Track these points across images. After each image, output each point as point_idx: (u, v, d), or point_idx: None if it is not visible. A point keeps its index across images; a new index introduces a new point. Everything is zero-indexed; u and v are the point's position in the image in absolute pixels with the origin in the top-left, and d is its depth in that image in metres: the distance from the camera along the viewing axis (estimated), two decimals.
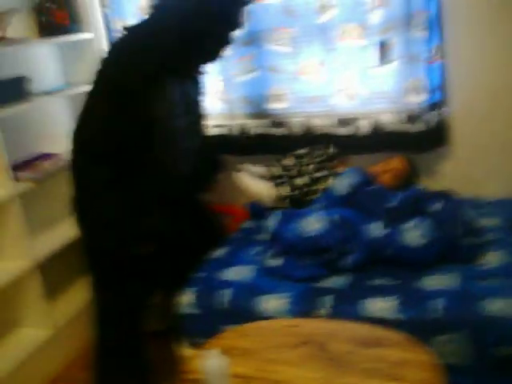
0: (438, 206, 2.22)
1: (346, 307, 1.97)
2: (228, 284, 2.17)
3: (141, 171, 2.11)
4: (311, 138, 2.88)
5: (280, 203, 2.52)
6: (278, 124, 2.95)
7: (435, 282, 2.01)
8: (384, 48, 2.65)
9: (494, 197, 2.66)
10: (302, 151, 2.79)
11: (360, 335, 1.72)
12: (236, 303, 2.10)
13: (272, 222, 2.35)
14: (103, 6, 3.15)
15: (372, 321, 1.87)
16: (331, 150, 2.79)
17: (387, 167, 2.66)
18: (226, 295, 2.12)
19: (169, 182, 2.18)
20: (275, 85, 2.89)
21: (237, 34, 2.23)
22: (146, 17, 2.16)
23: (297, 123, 2.91)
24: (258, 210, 2.72)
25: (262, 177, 2.64)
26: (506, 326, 1.77)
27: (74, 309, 2.89)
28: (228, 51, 2.37)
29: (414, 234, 2.11)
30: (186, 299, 2.17)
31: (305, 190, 2.52)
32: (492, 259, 2.11)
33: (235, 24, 2.17)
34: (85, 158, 2.12)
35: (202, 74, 2.34)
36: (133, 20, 3.01)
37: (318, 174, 2.60)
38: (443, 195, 2.31)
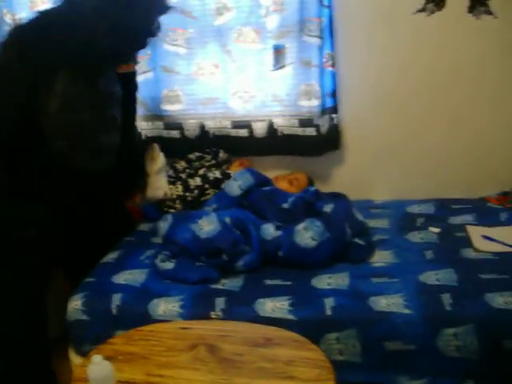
0: (329, 207, 2.27)
1: (238, 309, 1.95)
2: (117, 288, 2.08)
3: (28, 160, 2.06)
4: (206, 141, 2.85)
5: (172, 203, 2.48)
6: (172, 126, 2.90)
7: (326, 281, 2.04)
8: (278, 52, 2.68)
9: (383, 199, 2.77)
10: (193, 155, 2.77)
11: (251, 336, 1.71)
12: (126, 308, 2.02)
13: (163, 224, 2.30)
14: None
15: (265, 321, 1.86)
16: (221, 154, 2.79)
17: (290, 178, 2.69)
18: (115, 300, 2.03)
19: (65, 176, 2.12)
20: (170, 86, 2.84)
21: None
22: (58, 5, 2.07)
23: (191, 125, 2.87)
24: (151, 212, 2.65)
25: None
26: (390, 322, 1.83)
27: None
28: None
29: (304, 235, 2.14)
30: (73, 305, 2.06)
31: (197, 191, 2.49)
32: (379, 259, 2.18)
33: (153, 28, 2.13)
34: None
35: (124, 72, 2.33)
36: (23, 14, 2.86)
37: (211, 175, 2.58)
38: (335, 196, 2.36)
